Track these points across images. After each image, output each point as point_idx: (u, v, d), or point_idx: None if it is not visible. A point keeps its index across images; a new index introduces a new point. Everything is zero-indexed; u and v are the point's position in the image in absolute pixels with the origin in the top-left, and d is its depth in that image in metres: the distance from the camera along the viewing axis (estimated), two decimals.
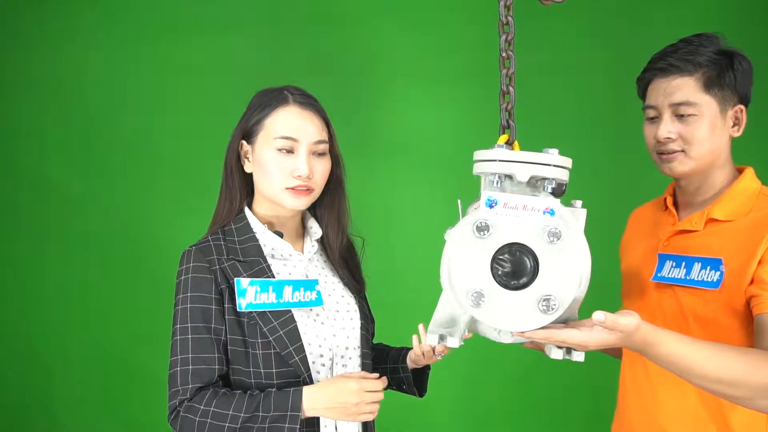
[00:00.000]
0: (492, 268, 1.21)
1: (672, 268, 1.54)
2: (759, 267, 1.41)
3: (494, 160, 1.26)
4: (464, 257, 1.21)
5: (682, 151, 1.52)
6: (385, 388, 1.63)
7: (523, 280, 1.20)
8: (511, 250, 1.20)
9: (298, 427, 1.40)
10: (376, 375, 1.51)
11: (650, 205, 1.76)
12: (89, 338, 2.96)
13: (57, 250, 2.95)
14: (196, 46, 2.88)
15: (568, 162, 1.27)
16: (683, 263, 1.52)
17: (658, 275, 1.56)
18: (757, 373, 1.29)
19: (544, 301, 1.18)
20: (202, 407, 1.40)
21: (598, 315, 1.19)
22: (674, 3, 2.79)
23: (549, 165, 1.24)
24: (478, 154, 1.30)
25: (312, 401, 1.42)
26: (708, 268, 1.48)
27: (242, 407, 1.40)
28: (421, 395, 1.75)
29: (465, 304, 1.21)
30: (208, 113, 2.82)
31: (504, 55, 1.42)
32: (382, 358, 1.75)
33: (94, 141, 2.93)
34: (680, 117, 1.51)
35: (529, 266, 1.20)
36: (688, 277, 1.50)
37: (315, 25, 2.89)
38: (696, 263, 1.50)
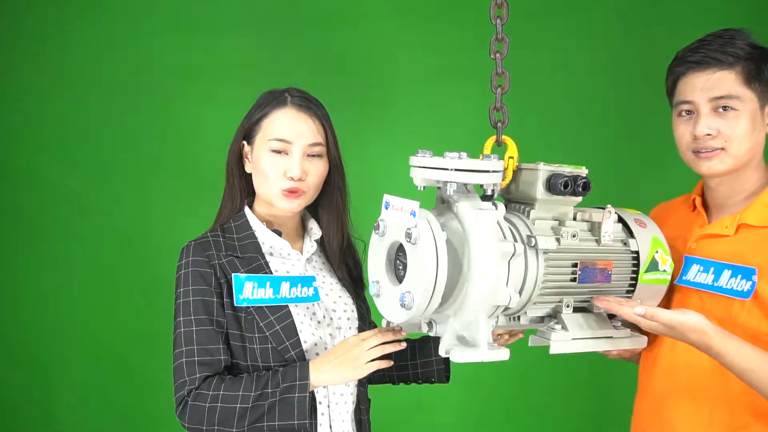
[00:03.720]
0: (392, 264, 1.35)
1: (699, 273, 1.48)
2: None
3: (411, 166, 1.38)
4: (372, 253, 1.40)
5: (722, 148, 1.45)
6: (413, 382, 1.69)
7: (401, 276, 1.31)
8: (401, 247, 1.32)
9: (308, 395, 1.42)
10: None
11: (677, 202, 1.69)
12: (88, 338, 2.96)
13: (55, 249, 2.95)
14: (196, 46, 2.88)
15: (473, 164, 1.30)
16: (711, 268, 1.47)
17: (683, 278, 1.51)
18: None
19: (402, 297, 1.27)
20: (210, 392, 1.41)
21: (639, 309, 1.32)
22: (671, 3, 2.79)
23: (438, 169, 1.31)
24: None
25: (319, 370, 1.44)
26: (739, 276, 1.42)
27: (251, 387, 1.41)
28: (448, 381, 1.74)
29: (372, 294, 1.39)
30: (209, 113, 2.83)
31: (498, 37, 1.44)
32: (408, 353, 1.72)
33: (93, 141, 2.93)
34: (719, 112, 1.45)
35: (405, 264, 1.29)
36: (716, 284, 1.45)
37: (315, 25, 2.89)
38: (726, 270, 1.44)
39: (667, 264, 1.46)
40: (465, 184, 1.34)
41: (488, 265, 1.26)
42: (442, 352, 1.31)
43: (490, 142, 1.49)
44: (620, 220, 1.48)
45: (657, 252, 1.45)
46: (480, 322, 1.29)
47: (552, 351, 1.38)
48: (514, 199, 1.46)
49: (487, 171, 1.30)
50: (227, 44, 2.88)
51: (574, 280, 1.39)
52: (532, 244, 1.34)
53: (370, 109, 2.90)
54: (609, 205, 1.38)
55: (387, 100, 2.91)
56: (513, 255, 1.30)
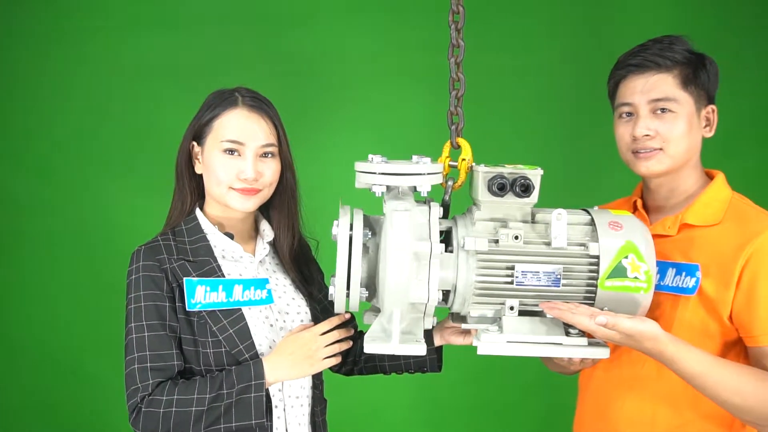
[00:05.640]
0: None
1: None
2: (737, 291, 1.41)
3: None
4: None
5: (660, 149, 1.49)
6: (405, 372, 1.70)
7: None
8: None
9: (264, 394, 1.42)
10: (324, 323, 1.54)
11: (616, 205, 1.72)
12: (35, 343, 2.91)
13: (0, 252, 2.88)
14: (145, 45, 2.85)
15: (397, 168, 1.34)
16: (656, 268, 1.47)
17: None
18: None
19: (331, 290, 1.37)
20: (164, 398, 1.39)
21: (600, 318, 1.28)
22: (631, 7, 2.84)
23: (367, 173, 1.36)
24: None
25: (274, 367, 1.45)
26: (683, 273, 1.46)
27: (206, 389, 1.40)
28: (440, 370, 1.75)
29: None
30: (159, 113, 2.79)
31: (454, 43, 1.47)
32: None
33: (38, 140, 2.88)
34: (657, 114, 1.49)
35: None
36: (662, 283, 1.48)
37: (265, 24, 2.87)
38: (670, 268, 1.48)
39: (640, 271, 1.37)
40: (398, 187, 1.39)
41: (398, 263, 1.31)
42: (365, 341, 1.37)
43: (448, 144, 1.52)
44: (592, 222, 1.43)
45: (626, 257, 1.37)
46: (393, 316, 1.34)
47: (479, 352, 1.38)
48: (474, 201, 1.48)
49: (410, 174, 1.35)
50: (176, 43, 2.85)
51: (511, 282, 1.38)
52: (462, 245, 1.36)
53: (322, 109, 2.90)
54: (559, 209, 1.37)
55: (339, 100, 2.90)
56: (431, 255, 1.32)
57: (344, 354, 1.69)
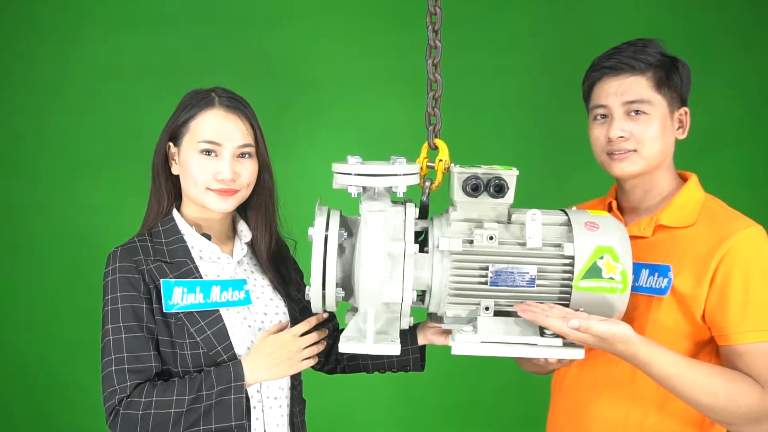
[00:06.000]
0: None
1: None
2: (710, 290, 1.43)
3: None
4: None
5: (635, 150, 1.50)
6: (388, 370, 1.69)
7: None
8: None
9: (244, 396, 1.42)
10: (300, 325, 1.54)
11: (592, 205, 1.73)
12: (11, 344, 2.88)
13: None
14: (120, 45, 2.83)
15: (369, 169, 1.35)
16: None
17: None
18: (739, 401, 1.35)
19: (307, 290, 1.38)
20: (143, 400, 1.38)
21: (574, 321, 1.27)
22: (608, 9, 2.86)
23: (342, 174, 1.37)
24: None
25: (253, 368, 1.45)
26: (656, 274, 1.47)
27: (185, 390, 1.40)
28: (423, 369, 1.74)
29: None
30: (137, 113, 2.78)
31: (431, 44, 1.48)
32: None
33: (18, 141, 2.85)
34: (632, 116, 1.51)
35: None
36: (636, 284, 1.48)
37: (243, 24, 2.86)
38: (643, 270, 1.50)
39: (615, 272, 1.36)
40: (374, 188, 1.40)
41: (372, 263, 1.32)
42: (340, 340, 1.37)
43: (426, 145, 1.53)
44: (569, 222, 1.42)
45: (602, 258, 1.36)
46: (368, 316, 1.34)
47: (453, 352, 1.38)
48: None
49: (384, 175, 1.36)
50: (154, 43, 2.84)
51: (485, 282, 1.39)
52: (437, 246, 1.37)
53: (301, 109, 2.89)
54: (534, 209, 1.38)
55: (318, 101, 2.90)
56: (405, 255, 1.33)
57: (327, 352, 1.69)
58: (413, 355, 1.69)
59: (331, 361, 1.75)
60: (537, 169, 2.78)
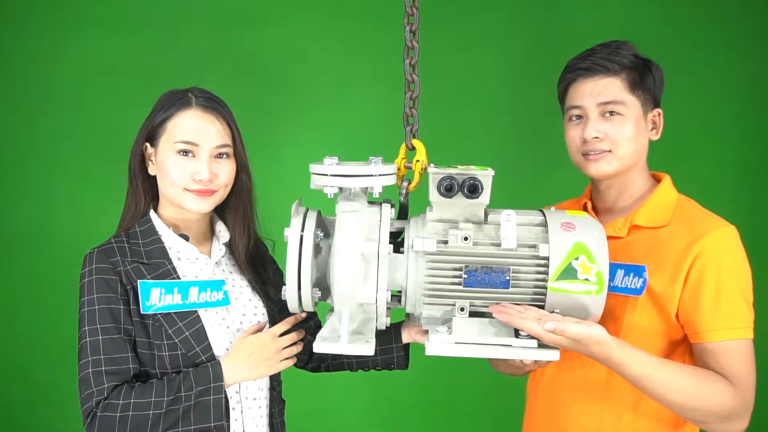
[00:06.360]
0: None
1: None
2: (684, 290, 1.45)
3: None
4: None
5: (609, 151, 1.52)
6: (372, 369, 1.69)
7: None
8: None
9: (223, 396, 1.42)
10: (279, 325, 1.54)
11: (568, 205, 1.74)
12: None
13: None
14: (100, 44, 2.82)
15: (343, 169, 1.36)
16: None
17: None
18: (712, 399, 1.37)
19: (284, 290, 1.40)
20: (121, 401, 1.37)
21: (549, 324, 1.28)
22: (577, 12, 2.88)
23: (319, 174, 1.38)
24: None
25: (232, 369, 1.45)
26: (631, 274, 1.49)
27: (163, 391, 1.39)
28: (407, 368, 1.74)
29: None
30: (114, 113, 2.76)
31: (409, 45, 1.50)
32: None
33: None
34: (606, 117, 1.52)
35: None
36: (611, 284, 1.48)
37: (222, 24, 2.86)
38: (619, 270, 1.51)
39: (590, 273, 1.34)
40: (350, 188, 1.40)
41: (346, 263, 1.33)
42: (316, 340, 1.38)
43: (404, 146, 1.54)
44: (545, 222, 1.41)
45: (577, 259, 1.35)
46: (342, 316, 1.35)
47: (427, 352, 1.38)
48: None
49: (359, 175, 1.36)
50: (132, 43, 2.82)
51: (459, 284, 1.38)
52: (411, 246, 1.38)
53: (280, 109, 2.89)
54: (509, 210, 1.38)
55: (297, 101, 2.90)
56: (379, 255, 1.34)
57: (310, 351, 1.68)
58: (397, 353, 1.70)
59: (314, 359, 1.75)
60: (515, 169, 2.80)
